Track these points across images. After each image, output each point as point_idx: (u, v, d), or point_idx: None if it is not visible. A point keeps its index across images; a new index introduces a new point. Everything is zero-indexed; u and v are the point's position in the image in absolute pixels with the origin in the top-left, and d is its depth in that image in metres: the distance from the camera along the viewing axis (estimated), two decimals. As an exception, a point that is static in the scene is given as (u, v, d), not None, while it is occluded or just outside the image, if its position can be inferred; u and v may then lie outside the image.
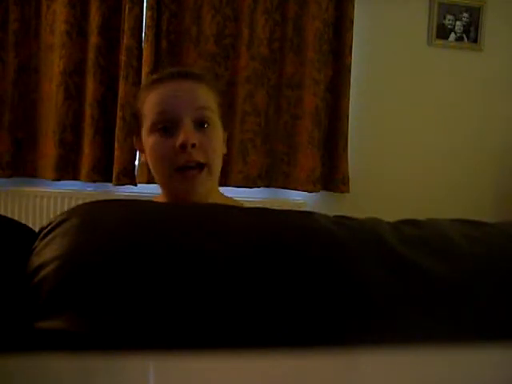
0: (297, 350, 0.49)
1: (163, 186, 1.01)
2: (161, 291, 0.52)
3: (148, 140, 0.98)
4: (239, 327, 0.52)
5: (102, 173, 2.46)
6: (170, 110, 0.97)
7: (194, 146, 0.94)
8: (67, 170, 2.45)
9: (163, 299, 0.52)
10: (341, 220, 0.63)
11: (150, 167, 1.01)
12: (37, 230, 0.62)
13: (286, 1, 2.53)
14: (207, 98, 1.01)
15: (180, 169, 0.95)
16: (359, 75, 2.67)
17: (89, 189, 2.53)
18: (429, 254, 0.60)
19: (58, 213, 0.64)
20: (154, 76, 1.05)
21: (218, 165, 1.00)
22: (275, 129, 2.56)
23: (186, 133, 0.94)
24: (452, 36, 2.78)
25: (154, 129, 0.97)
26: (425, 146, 2.80)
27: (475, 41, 2.80)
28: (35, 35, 2.44)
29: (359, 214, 0.71)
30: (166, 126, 0.96)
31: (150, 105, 0.99)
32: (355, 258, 0.57)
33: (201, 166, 0.96)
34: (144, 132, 1.00)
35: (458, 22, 2.78)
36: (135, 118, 1.05)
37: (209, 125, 0.99)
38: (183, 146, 0.94)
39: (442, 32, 2.77)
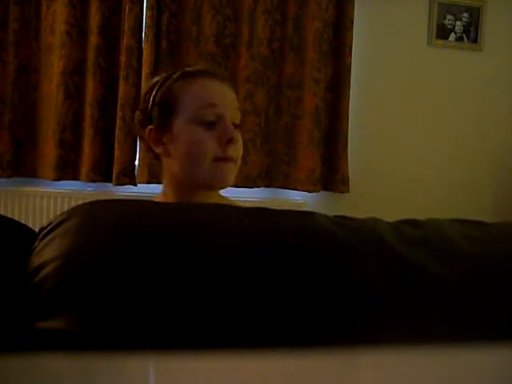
0: (297, 350, 0.49)
1: (189, 174, 1.03)
2: (161, 291, 0.52)
3: (188, 129, 1.01)
4: (239, 327, 0.52)
5: (102, 173, 2.46)
6: (219, 104, 1.02)
7: (235, 142, 1.02)
8: (67, 170, 2.45)
9: (163, 299, 0.52)
10: (341, 220, 0.63)
11: (178, 156, 1.02)
12: (37, 230, 0.62)
13: (286, 1, 2.53)
14: (237, 101, 1.08)
15: (217, 159, 1.01)
16: (359, 75, 2.67)
17: (89, 189, 2.53)
18: (429, 253, 0.60)
19: (58, 213, 0.64)
20: (187, 69, 1.07)
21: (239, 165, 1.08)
22: (275, 129, 2.56)
23: (232, 129, 1.01)
24: (452, 36, 2.78)
25: (198, 120, 1.01)
26: (425, 145, 2.80)
27: (475, 41, 2.80)
28: (35, 35, 2.45)
29: (359, 213, 0.71)
30: (213, 119, 1.01)
31: (194, 95, 1.02)
32: (355, 257, 0.57)
33: (233, 161, 1.03)
34: (180, 121, 1.02)
35: (458, 22, 2.78)
36: (164, 108, 1.03)
37: (238, 126, 1.06)
38: (230, 140, 1.00)
39: (442, 32, 2.77)
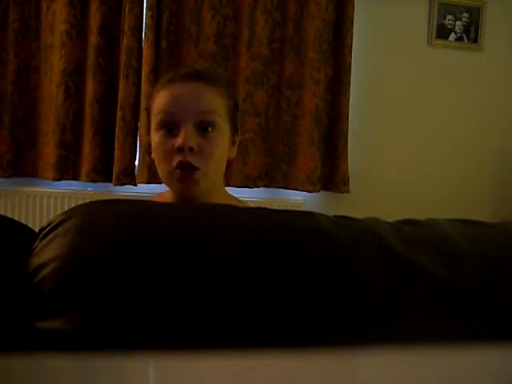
0: (297, 350, 0.49)
1: (165, 182, 1.05)
2: (161, 291, 0.52)
3: (154, 136, 1.03)
4: (239, 327, 0.52)
5: (102, 173, 2.46)
6: (174, 112, 1.00)
7: (191, 149, 0.98)
8: (67, 170, 2.46)
9: (163, 299, 0.52)
10: (341, 220, 0.63)
11: (155, 162, 1.05)
12: (37, 230, 0.62)
13: (286, 1, 2.53)
14: (214, 102, 1.03)
15: (178, 168, 0.99)
16: (359, 75, 2.67)
17: (89, 189, 2.53)
18: (429, 253, 0.60)
19: (58, 213, 0.64)
20: (168, 75, 1.07)
21: (214, 169, 1.02)
22: (275, 129, 2.56)
23: (185, 136, 0.98)
24: (452, 36, 2.78)
25: (158, 127, 1.02)
26: (425, 145, 2.80)
27: (475, 41, 2.80)
28: (35, 35, 2.45)
29: (359, 213, 0.71)
30: (170, 126, 1.00)
31: (157, 104, 1.03)
32: (355, 257, 0.57)
33: (194, 169, 0.99)
34: (152, 128, 1.05)
35: (458, 22, 2.78)
36: (148, 114, 1.10)
37: (213, 129, 1.01)
38: (180, 149, 0.98)
39: (442, 32, 2.77)
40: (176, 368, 0.43)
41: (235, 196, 1.13)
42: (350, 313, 0.54)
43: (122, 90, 2.39)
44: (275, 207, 0.63)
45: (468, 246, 0.62)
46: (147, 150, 1.13)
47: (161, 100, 1.02)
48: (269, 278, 0.54)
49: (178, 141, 0.97)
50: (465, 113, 2.83)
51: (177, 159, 0.98)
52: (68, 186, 2.51)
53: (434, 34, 2.76)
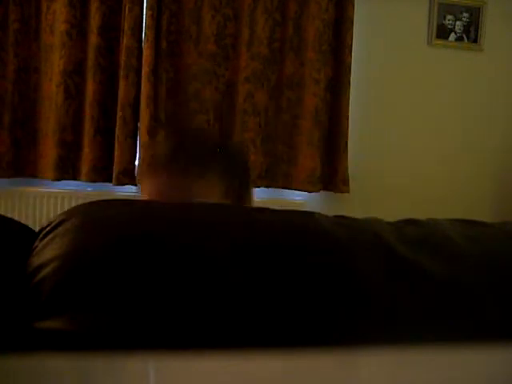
0: (297, 350, 0.49)
1: None
2: (161, 291, 0.52)
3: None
4: (239, 327, 0.52)
5: (102, 173, 2.46)
6: None
7: None
8: (67, 170, 2.46)
9: (163, 299, 0.52)
10: (341, 220, 0.63)
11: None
12: (37, 230, 0.62)
13: (286, 1, 2.53)
14: (205, 195, 0.89)
15: None
16: (359, 75, 2.67)
17: (89, 189, 2.53)
18: (429, 253, 0.60)
19: (58, 213, 0.64)
20: (155, 158, 0.94)
21: None
22: (275, 129, 2.56)
23: None
24: (452, 36, 2.78)
25: None
26: (425, 145, 2.80)
27: (475, 41, 2.80)
28: (35, 35, 2.45)
29: (359, 213, 0.71)
30: None
31: (143, 189, 0.94)
32: (355, 258, 0.57)
33: None
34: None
35: (458, 22, 2.78)
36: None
37: None
38: None
39: (442, 32, 2.77)
40: (176, 368, 0.43)
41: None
42: (349, 313, 0.54)
43: (122, 90, 2.39)
44: (275, 207, 0.63)
45: (468, 246, 0.62)
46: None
47: (146, 188, 0.92)
48: (268, 278, 0.54)
49: None
50: (465, 113, 2.83)
51: None
52: (68, 186, 2.51)
53: (434, 34, 2.76)
